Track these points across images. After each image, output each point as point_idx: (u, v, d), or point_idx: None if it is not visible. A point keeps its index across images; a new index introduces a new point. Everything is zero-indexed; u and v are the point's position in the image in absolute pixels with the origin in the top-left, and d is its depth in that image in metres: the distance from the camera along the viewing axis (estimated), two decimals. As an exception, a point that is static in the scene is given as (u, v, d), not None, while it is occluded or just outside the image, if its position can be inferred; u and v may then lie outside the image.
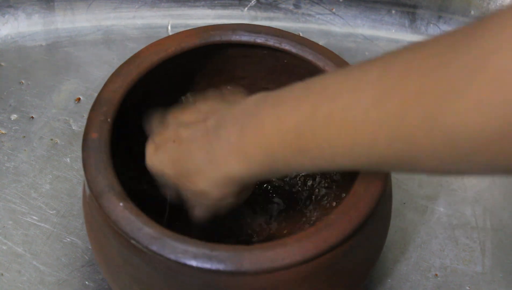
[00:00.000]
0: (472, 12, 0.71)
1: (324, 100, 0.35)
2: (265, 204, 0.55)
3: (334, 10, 0.72)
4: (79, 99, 0.64)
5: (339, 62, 0.49)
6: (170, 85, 0.52)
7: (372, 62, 0.34)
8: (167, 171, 0.44)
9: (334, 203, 0.51)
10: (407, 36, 0.71)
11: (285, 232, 0.53)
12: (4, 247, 0.54)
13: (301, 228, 0.52)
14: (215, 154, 0.40)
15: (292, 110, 0.36)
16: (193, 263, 0.39)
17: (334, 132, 0.34)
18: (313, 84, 0.36)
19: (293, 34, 0.51)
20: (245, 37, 0.50)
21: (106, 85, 0.48)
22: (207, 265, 0.39)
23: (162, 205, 0.54)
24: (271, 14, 0.72)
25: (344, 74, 0.35)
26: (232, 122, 0.39)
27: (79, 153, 0.60)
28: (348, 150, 0.35)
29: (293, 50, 0.50)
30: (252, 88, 0.54)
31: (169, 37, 0.50)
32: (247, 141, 0.38)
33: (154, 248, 0.40)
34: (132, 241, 0.41)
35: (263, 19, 0.72)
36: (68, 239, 0.55)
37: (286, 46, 0.50)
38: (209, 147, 0.40)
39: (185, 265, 0.39)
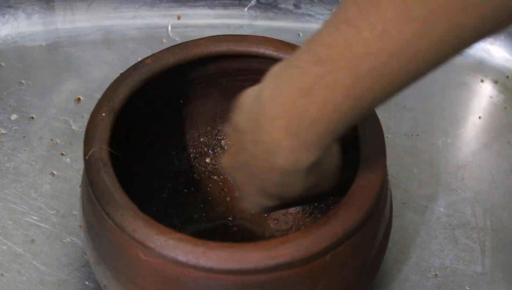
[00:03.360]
0: (472, 12, 0.71)
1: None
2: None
3: (334, 10, 0.72)
4: (79, 99, 0.64)
5: None
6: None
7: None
8: (231, 159, 0.40)
9: None
10: (407, 36, 0.71)
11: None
12: (4, 247, 0.54)
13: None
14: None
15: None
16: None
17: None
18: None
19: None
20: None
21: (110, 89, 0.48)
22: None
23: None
24: (271, 14, 0.72)
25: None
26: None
27: (79, 153, 0.60)
28: None
29: None
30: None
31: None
32: None
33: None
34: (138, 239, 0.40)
35: (263, 19, 0.72)
36: (68, 239, 0.55)
37: None
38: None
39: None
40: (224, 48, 0.51)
